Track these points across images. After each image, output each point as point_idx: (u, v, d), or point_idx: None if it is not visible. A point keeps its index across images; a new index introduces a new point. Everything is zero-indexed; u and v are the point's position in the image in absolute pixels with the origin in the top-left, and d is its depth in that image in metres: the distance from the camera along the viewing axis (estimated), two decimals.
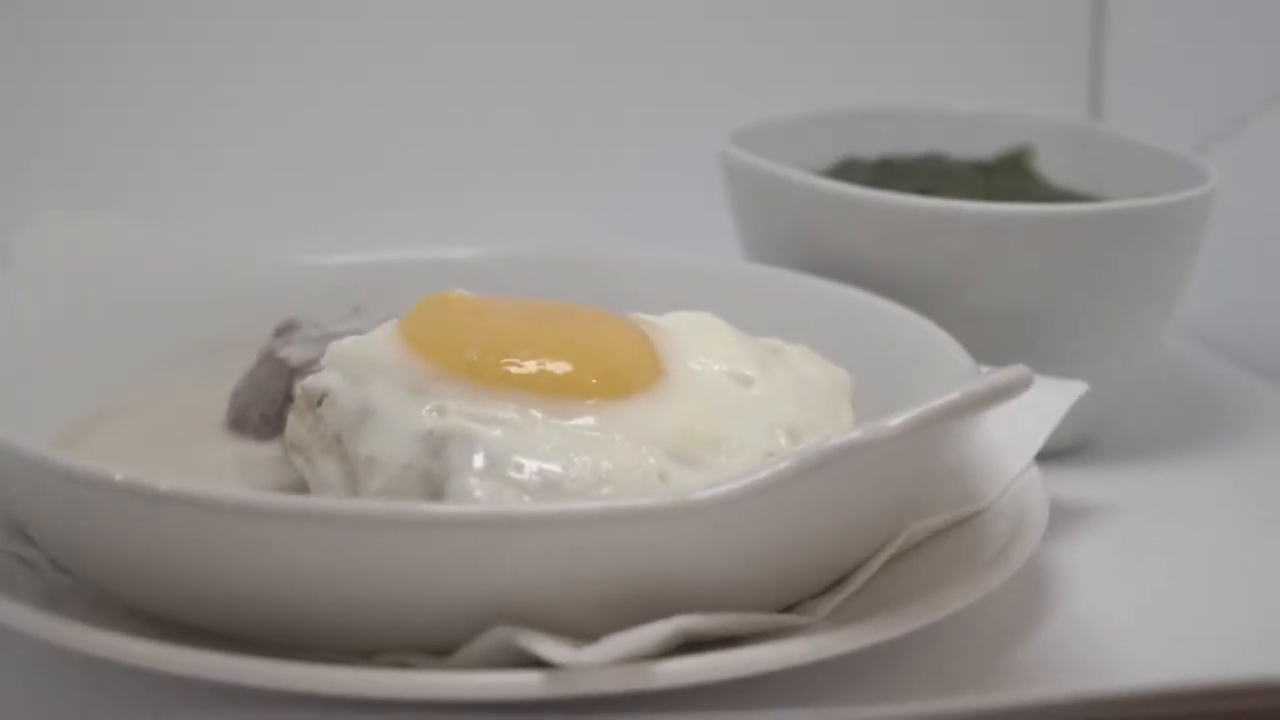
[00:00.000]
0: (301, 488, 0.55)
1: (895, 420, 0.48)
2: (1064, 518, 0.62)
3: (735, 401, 0.55)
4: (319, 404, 0.55)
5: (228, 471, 0.60)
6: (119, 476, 0.47)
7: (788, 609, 0.51)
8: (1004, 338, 0.65)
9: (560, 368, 0.53)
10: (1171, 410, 0.74)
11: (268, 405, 0.60)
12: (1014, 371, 0.50)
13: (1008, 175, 0.75)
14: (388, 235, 0.73)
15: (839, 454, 0.48)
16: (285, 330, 0.63)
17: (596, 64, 0.89)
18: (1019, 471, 0.58)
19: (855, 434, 0.48)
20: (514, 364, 0.53)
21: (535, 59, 0.88)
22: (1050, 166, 0.76)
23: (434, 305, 0.57)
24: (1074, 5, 0.90)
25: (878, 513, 0.52)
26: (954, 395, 0.49)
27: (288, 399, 0.60)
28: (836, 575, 0.53)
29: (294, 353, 0.60)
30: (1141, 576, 0.59)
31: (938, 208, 0.65)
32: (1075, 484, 0.65)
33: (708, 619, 0.48)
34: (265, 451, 0.60)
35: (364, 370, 0.54)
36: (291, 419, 0.56)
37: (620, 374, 0.54)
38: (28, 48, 0.80)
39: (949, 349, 0.59)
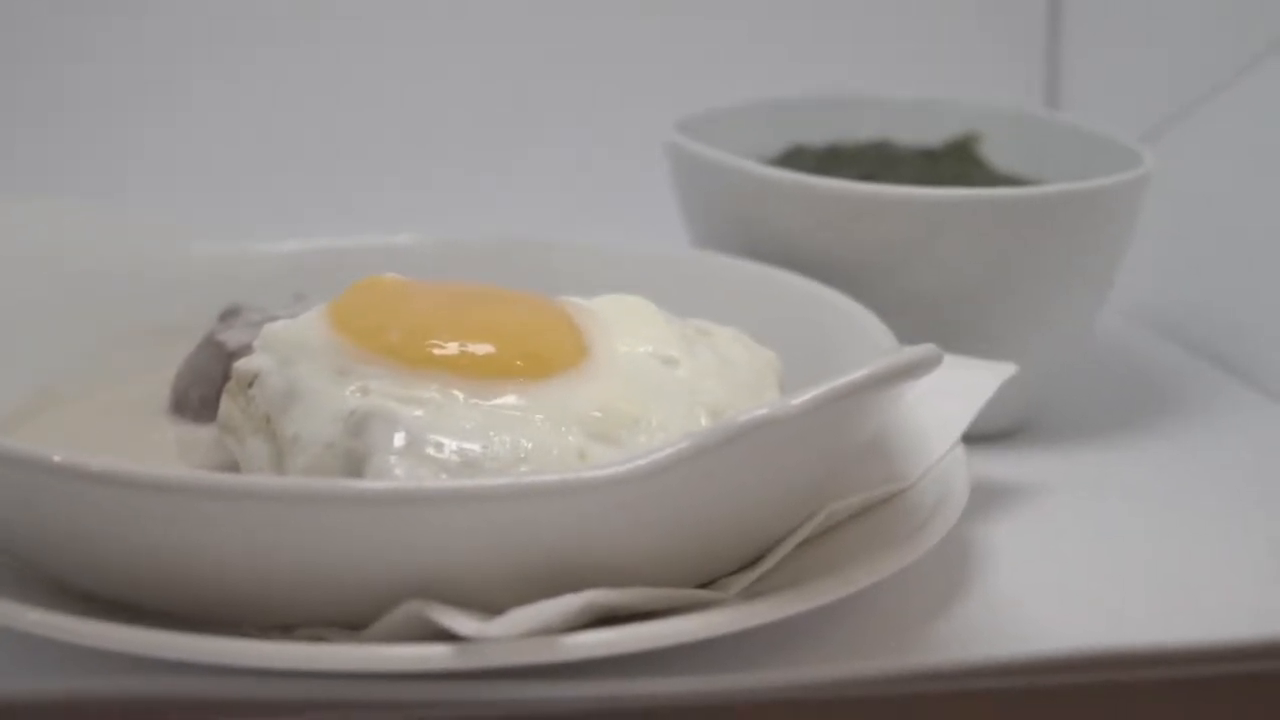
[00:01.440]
0: (236, 468, 0.56)
1: (800, 398, 0.49)
2: (992, 498, 0.62)
3: (659, 382, 0.56)
4: (250, 385, 0.56)
5: (168, 453, 0.61)
6: (56, 457, 0.48)
7: (704, 586, 0.52)
8: (939, 322, 0.66)
9: (482, 349, 0.54)
10: (1109, 393, 0.74)
11: (207, 388, 0.61)
12: (921, 350, 0.50)
13: (953, 162, 0.76)
14: (336, 221, 0.74)
15: (743, 431, 0.48)
16: (229, 315, 0.64)
17: (545, 51, 0.90)
18: (944, 452, 0.59)
19: (760, 411, 0.49)
20: (436, 345, 0.54)
21: (483, 47, 0.89)
22: (997, 153, 0.77)
23: (363, 289, 0.57)
24: None
25: (791, 490, 0.52)
26: (859, 373, 0.49)
27: (226, 382, 0.61)
28: (754, 552, 0.53)
29: (232, 336, 0.61)
30: (1061, 553, 0.60)
31: (868, 192, 0.66)
32: (1007, 466, 0.65)
33: (618, 593, 0.49)
34: (205, 434, 0.61)
35: (293, 352, 0.55)
36: (224, 400, 0.57)
37: (542, 355, 0.55)
38: None
39: (874, 331, 0.60)
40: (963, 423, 0.59)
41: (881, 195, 0.65)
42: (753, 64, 0.88)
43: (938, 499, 0.57)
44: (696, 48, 0.89)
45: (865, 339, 0.60)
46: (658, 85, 0.87)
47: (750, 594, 0.52)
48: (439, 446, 0.52)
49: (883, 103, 0.79)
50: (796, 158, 0.75)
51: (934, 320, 0.66)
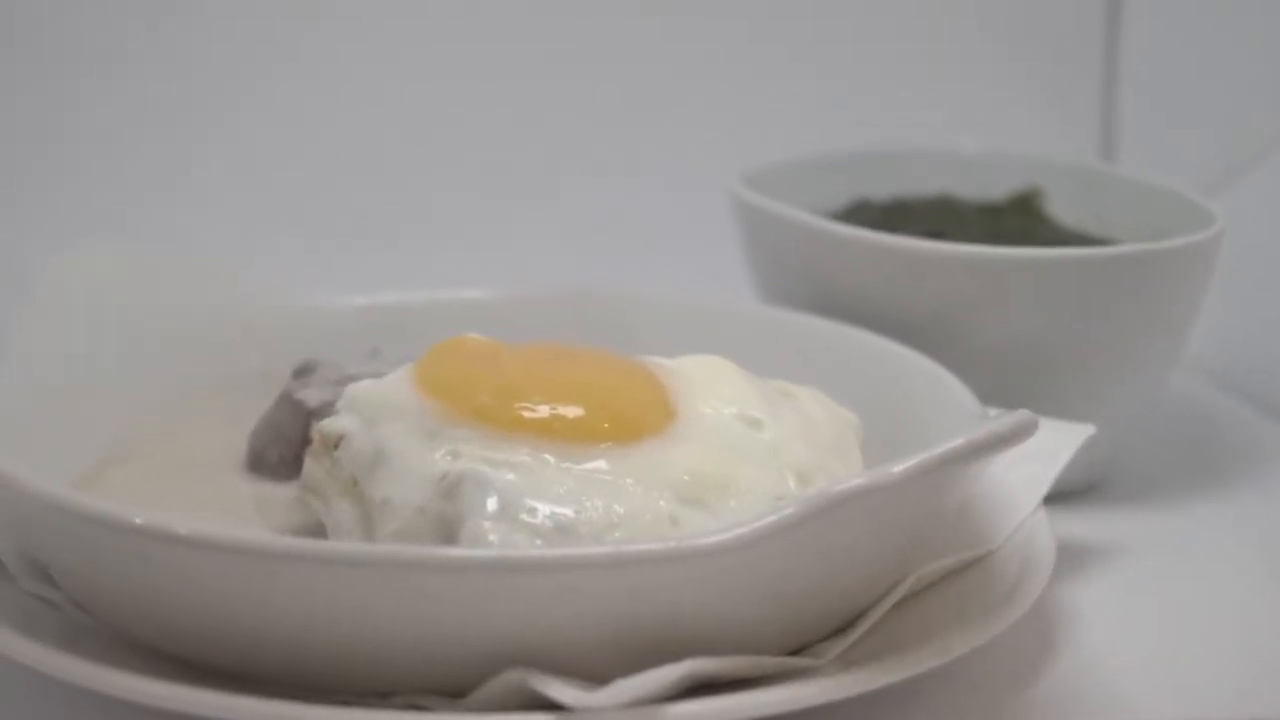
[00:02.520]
0: (319, 529, 0.56)
1: (899, 466, 0.49)
2: (1073, 559, 0.62)
3: (744, 444, 0.56)
4: (335, 446, 0.56)
5: (247, 513, 0.60)
6: (138, 519, 0.48)
7: (796, 652, 0.52)
8: (1011, 380, 0.66)
9: (572, 411, 0.54)
10: (1180, 451, 0.74)
11: (285, 447, 0.61)
12: (1019, 417, 0.50)
13: (1016, 217, 0.76)
14: (402, 275, 0.73)
15: (843, 500, 0.48)
16: (304, 372, 0.64)
17: (612, 104, 0.90)
18: (1027, 514, 0.58)
19: (859, 480, 0.48)
20: (527, 408, 0.54)
21: (551, 99, 0.89)
22: (1059, 208, 0.77)
23: (448, 349, 0.57)
24: (1085, 46, 0.90)
25: (884, 557, 0.52)
26: (958, 441, 0.49)
27: (305, 441, 0.60)
28: (845, 619, 0.53)
29: (312, 395, 0.61)
30: (1150, 618, 0.60)
31: (943, 251, 0.65)
32: (1083, 525, 0.65)
33: (718, 661, 0.48)
34: (284, 493, 0.61)
35: (380, 413, 0.55)
36: (308, 461, 0.57)
37: (631, 417, 0.55)
38: (58, 83, 0.80)
39: (955, 392, 0.60)
40: (1044, 485, 0.59)
41: (956, 253, 0.65)
42: (814, 117, 0.88)
43: (1023, 563, 0.56)
44: (763, 101, 0.89)
45: (948, 400, 0.60)
46: (723, 137, 0.87)
47: (843, 661, 0.51)
48: (533, 511, 0.51)
49: (945, 155, 0.79)
50: (861, 212, 0.75)
51: (1004, 378, 0.65)
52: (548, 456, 0.53)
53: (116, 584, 0.51)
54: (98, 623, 0.53)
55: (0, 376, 0.60)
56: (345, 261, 0.83)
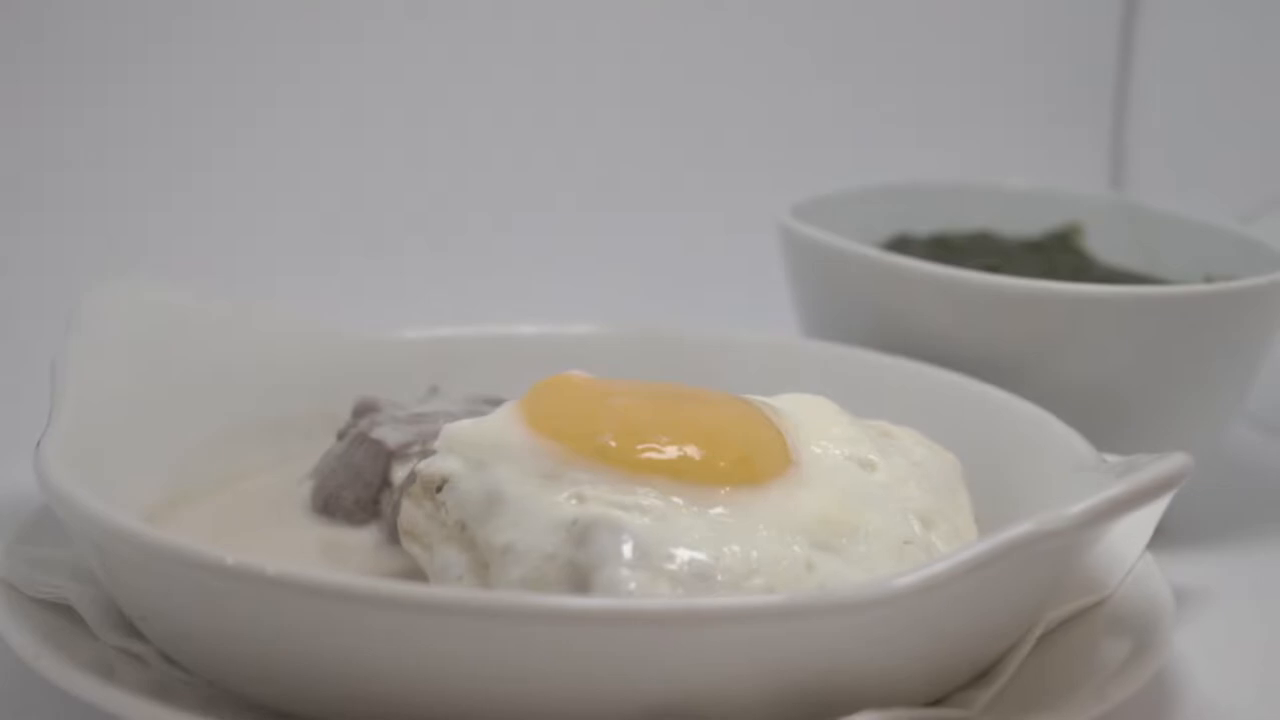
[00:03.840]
0: (414, 575, 0.53)
1: (1074, 509, 0.47)
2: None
3: (863, 487, 0.54)
4: (438, 490, 0.53)
5: (316, 558, 0.58)
6: (272, 569, 0.45)
7: (937, 702, 0.50)
8: (1085, 418, 0.64)
9: (698, 453, 0.52)
10: (1236, 493, 0.73)
11: (363, 489, 0.58)
12: (1176, 461, 0.49)
13: (1060, 253, 0.75)
14: (449, 311, 0.71)
15: (1019, 545, 0.47)
16: (366, 410, 0.61)
17: (647, 141, 0.88)
18: (1136, 559, 0.57)
19: (1027, 525, 0.47)
20: (652, 449, 0.52)
21: (590, 137, 0.87)
22: (1099, 245, 0.76)
23: (553, 388, 0.55)
24: (1096, 87, 0.90)
25: (1031, 602, 0.51)
26: (1123, 487, 0.48)
27: (384, 482, 0.58)
28: (984, 666, 0.51)
29: (389, 434, 0.58)
30: (1253, 659, 0.59)
31: (1033, 288, 0.64)
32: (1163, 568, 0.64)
33: (880, 714, 0.46)
34: (359, 537, 0.58)
35: (487, 455, 0.53)
36: (407, 505, 0.54)
37: (757, 459, 0.53)
38: (100, 121, 0.77)
39: (1064, 436, 0.58)
40: (1149, 527, 0.58)
41: (1041, 291, 0.64)
42: (846, 154, 0.87)
43: (1141, 608, 0.55)
44: (795, 138, 0.88)
45: (1058, 445, 0.58)
46: (754, 174, 0.86)
47: (993, 712, 0.49)
48: (670, 558, 0.49)
49: (984, 191, 0.77)
50: (903, 247, 0.74)
51: (1076, 416, 0.64)
52: (676, 499, 0.51)
53: (210, 632, 0.48)
54: (189, 676, 0.50)
55: (57, 417, 0.56)
56: (391, 298, 0.80)
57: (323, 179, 0.84)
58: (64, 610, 0.53)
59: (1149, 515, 0.58)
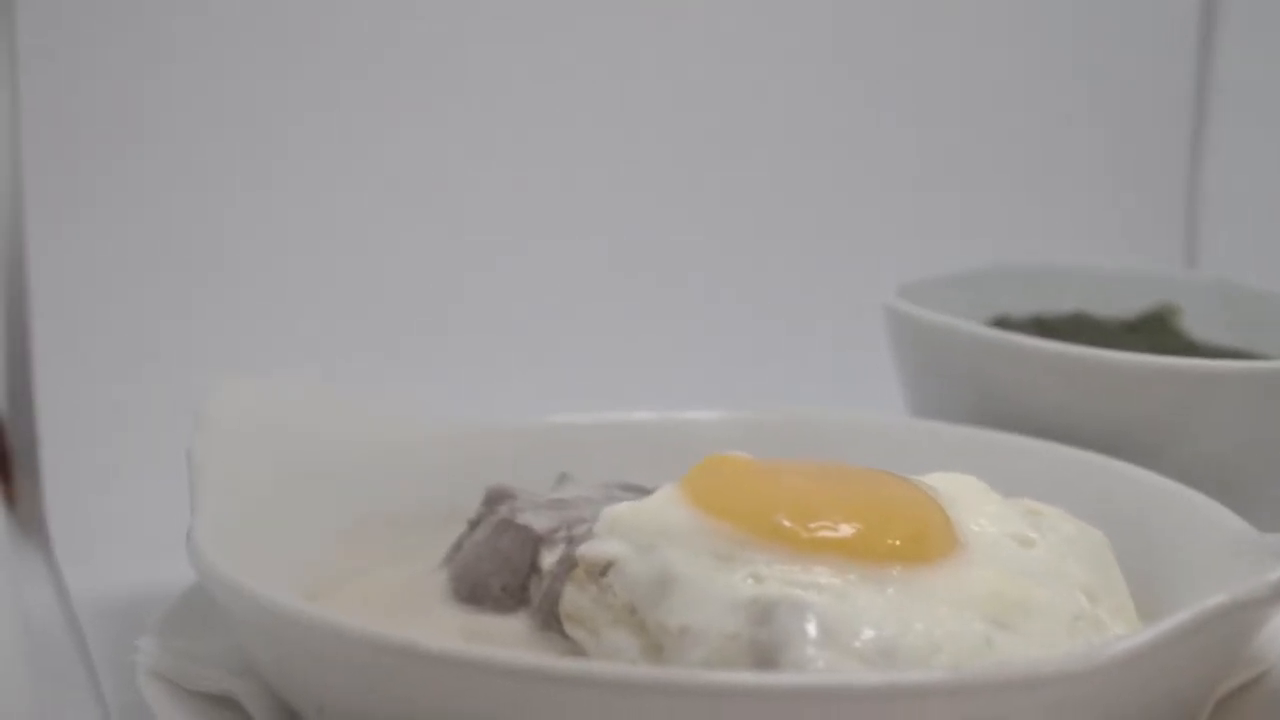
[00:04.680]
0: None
1: (1275, 576, 0.47)
2: None
3: (1026, 564, 0.54)
4: (603, 573, 0.53)
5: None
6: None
7: None
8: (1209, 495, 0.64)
9: (872, 531, 0.52)
10: None
11: (511, 576, 0.57)
12: None
13: (1159, 334, 0.75)
14: (557, 398, 0.71)
15: (1218, 614, 0.47)
16: (501, 498, 0.61)
17: (723, 224, 0.88)
18: None
19: (1229, 595, 0.47)
20: (825, 527, 0.52)
21: (686, 217, 0.87)
22: (1194, 325, 0.76)
23: (715, 468, 0.55)
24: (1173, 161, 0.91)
25: (1218, 676, 0.51)
26: None
27: (532, 568, 0.57)
28: None
29: (535, 519, 0.58)
30: None
31: (1154, 365, 0.64)
32: None
33: None
34: (507, 625, 0.57)
35: (653, 537, 0.52)
36: (570, 589, 0.54)
37: (928, 537, 0.53)
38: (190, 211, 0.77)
39: (1215, 512, 0.58)
40: None
41: (1168, 366, 0.64)
42: (935, 241, 0.87)
43: None
44: (893, 223, 0.88)
45: (1201, 518, 0.58)
46: (843, 259, 0.86)
47: None
48: (855, 635, 0.49)
49: (1077, 272, 0.78)
50: (1004, 328, 0.74)
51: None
52: (852, 577, 0.51)
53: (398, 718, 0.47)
54: None
55: (201, 508, 0.56)
56: (488, 389, 0.80)
57: (396, 271, 0.83)
58: (227, 704, 0.52)
59: None
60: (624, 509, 0.54)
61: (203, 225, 0.76)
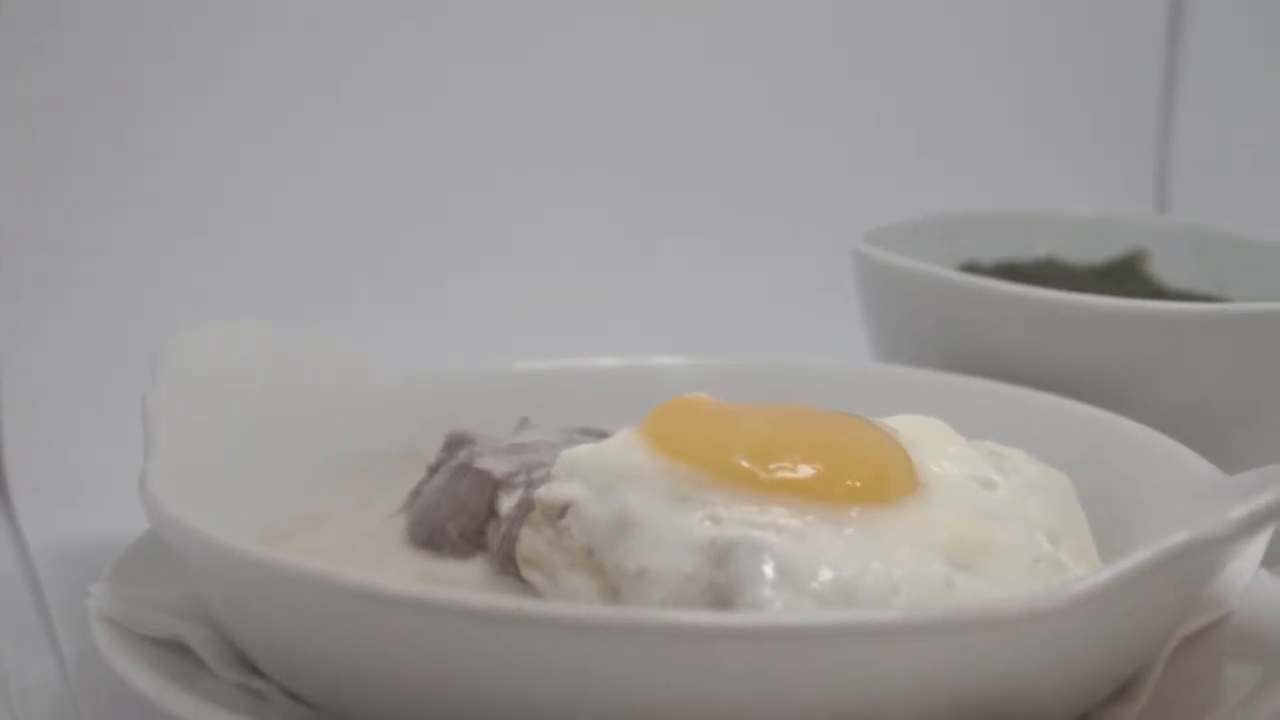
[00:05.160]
0: None
1: (1233, 515, 0.46)
2: None
3: (988, 505, 0.53)
4: (560, 516, 0.52)
5: None
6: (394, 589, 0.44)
7: None
8: (1178, 438, 0.63)
9: (831, 472, 0.51)
10: None
11: (468, 520, 0.57)
12: None
13: (1129, 280, 0.74)
14: (510, 343, 0.70)
15: (1179, 553, 0.46)
16: (461, 443, 0.60)
17: (695, 174, 0.87)
18: (1251, 573, 0.56)
19: (1191, 533, 0.46)
20: (784, 468, 0.51)
21: (657, 165, 0.86)
22: (1165, 271, 0.75)
23: (675, 410, 0.54)
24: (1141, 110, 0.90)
25: (1177, 616, 0.50)
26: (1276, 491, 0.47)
27: (490, 513, 0.57)
28: (1122, 683, 0.51)
29: (495, 464, 0.57)
30: None
31: (1126, 308, 0.63)
32: None
33: None
34: (464, 570, 0.57)
35: (613, 479, 0.52)
36: (527, 533, 0.53)
37: (888, 478, 0.52)
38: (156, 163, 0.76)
39: (1180, 455, 0.57)
40: (1264, 539, 0.57)
41: (1125, 309, 0.63)
42: (890, 184, 0.86)
43: (1268, 627, 0.54)
44: (862, 168, 0.87)
45: (1166, 460, 0.57)
46: (815, 204, 0.85)
47: None
48: (813, 576, 0.48)
49: (1048, 220, 0.77)
50: (972, 273, 0.73)
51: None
52: (810, 518, 0.50)
53: (349, 661, 0.47)
54: (314, 711, 0.49)
55: (155, 454, 0.55)
56: (463, 334, 0.79)
57: (366, 219, 0.83)
58: (176, 649, 0.51)
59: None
60: (582, 451, 0.53)
61: (158, 176, 0.76)
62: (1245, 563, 0.56)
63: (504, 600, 0.45)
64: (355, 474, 0.62)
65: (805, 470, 0.51)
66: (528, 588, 0.53)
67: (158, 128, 0.76)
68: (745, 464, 0.51)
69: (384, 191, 0.81)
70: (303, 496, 0.61)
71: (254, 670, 0.50)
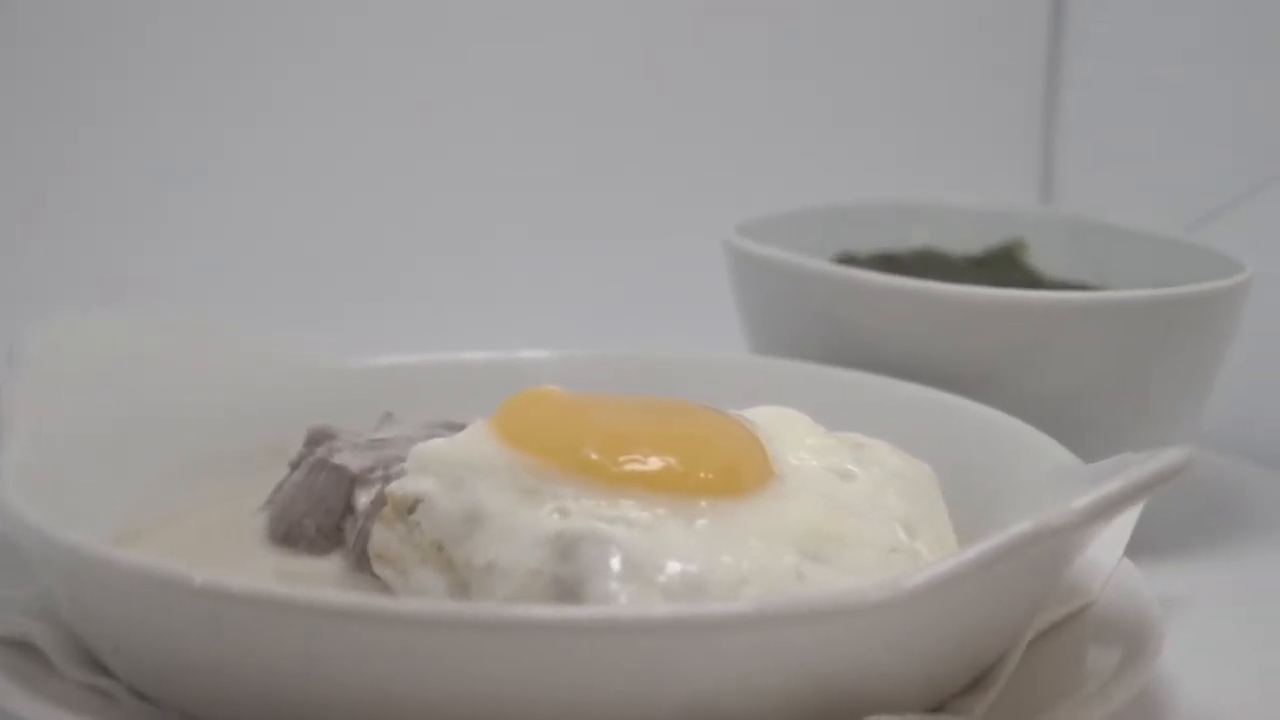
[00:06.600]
0: None
1: (1079, 504, 0.46)
2: None
3: (845, 497, 0.53)
4: (411, 511, 0.51)
5: None
6: (203, 580, 0.44)
7: (935, 709, 0.49)
8: (1047, 428, 0.63)
9: (682, 464, 0.51)
10: (1190, 504, 0.72)
11: (325, 516, 0.56)
12: (1176, 454, 0.48)
13: (1006, 270, 0.74)
14: (395, 339, 0.69)
15: (1024, 541, 0.46)
16: (321, 438, 0.59)
17: (576, 166, 0.87)
18: (1114, 565, 0.56)
19: (1036, 522, 0.46)
20: (634, 460, 0.51)
21: (530, 160, 0.85)
22: (1043, 260, 0.75)
23: (527, 402, 0.54)
24: (1028, 98, 0.90)
25: (1031, 605, 0.50)
26: (1127, 480, 0.47)
27: (347, 509, 0.56)
28: (977, 672, 0.50)
29: (351, 459, 0.57)
30: (1237, 666, 0.58)
31: (1003, 297, 0.63)
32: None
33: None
34: (321, 566, 0.56)
35: (463, 473, 0.51)
36: (378, 528, 0.52)
37: (740, 470, 0.52)
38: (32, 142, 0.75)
39: (1042, 444, 0.57)
40: (1126, 532, 0.57)
41: (1002, 299, 0.63)
42: (771, 173, 0.86)
43: (1127, 614, 0.54)
44: (736, 160, 0.87)
45: (1028, 450, 0.57)
46: (691, 196, 0.85)
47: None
48: (660, 569, 0.48)
49: (927, 209, 0.77)
50: (849, 265, 0.73)
51: (1037, 426, 0.63)
52: (661, 511, 0.50)
53: (187, 661, 0.46)
54: (160, 710, 0.48)
55: (6, 452, 0.54)
56: (333, 326, 0.78)
57: (261, 205, 0.82)
58: (24, 648, 0.51)
59: (1127, 520, 0.57)
60: (434, 445, 0.53)
61: (30, 167, 0.75)
62: (1106, 552, 0.56)
63: (343, 596, 0.44)
64: (220, 470, 0.61)
65: (656, 463, 0.50)
66: (382, 584, 0.53)
67: (47, 101, 0.75)
68: (595, 456, 0.50)
69: (251, 181, 0.81)
70: (165, 494, 0.60)
71: (103, 670, 0.50)
